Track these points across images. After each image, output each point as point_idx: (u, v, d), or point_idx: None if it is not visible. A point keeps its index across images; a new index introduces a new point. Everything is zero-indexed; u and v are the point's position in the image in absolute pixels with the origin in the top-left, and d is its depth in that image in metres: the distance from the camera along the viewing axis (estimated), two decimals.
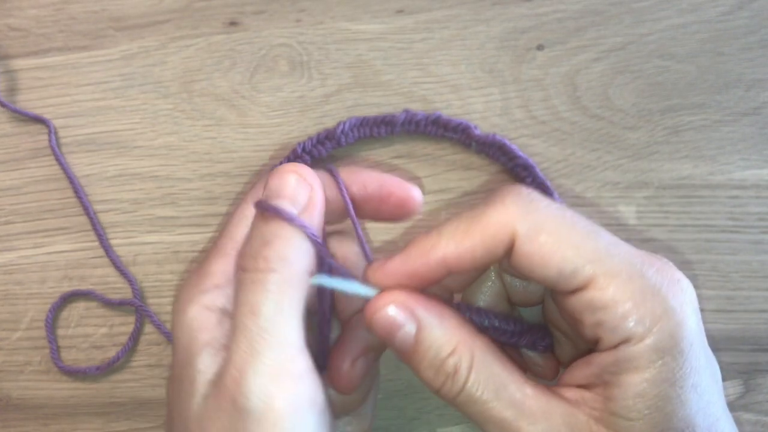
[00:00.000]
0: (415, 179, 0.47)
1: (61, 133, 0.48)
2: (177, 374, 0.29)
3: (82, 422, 0.44)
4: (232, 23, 0.50)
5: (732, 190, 0.46)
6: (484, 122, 0.47)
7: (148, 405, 0.44)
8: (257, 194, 0.32)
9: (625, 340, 0.27)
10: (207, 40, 0.49)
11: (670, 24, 0.49)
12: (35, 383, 0.44)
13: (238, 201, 0.47)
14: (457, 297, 0.35)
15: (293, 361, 0.28)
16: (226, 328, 0.29)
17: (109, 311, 0.45)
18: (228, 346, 0.28)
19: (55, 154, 0.47)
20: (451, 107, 0.48)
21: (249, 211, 0.32)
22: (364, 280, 0.31)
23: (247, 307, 0.28)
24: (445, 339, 0.29)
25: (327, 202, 0.32)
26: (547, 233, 0.28)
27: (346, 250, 0.34)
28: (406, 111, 0.46)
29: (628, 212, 0.46)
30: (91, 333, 0.45)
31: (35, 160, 0.47)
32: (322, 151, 0.46)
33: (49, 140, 0.47)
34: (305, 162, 0.46)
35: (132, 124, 0.48)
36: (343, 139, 0.46)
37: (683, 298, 0.28)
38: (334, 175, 0.33)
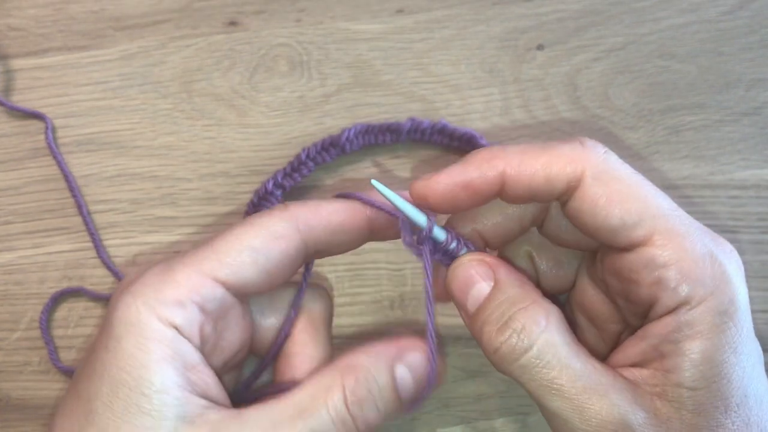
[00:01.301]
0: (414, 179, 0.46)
1: (61, 132, 0.48)
2: (116, 376, 0.26)
3: None
4: (232, 23, 0.50)
5: (732, 190, 0.46)
6: (485, 122, 0.47)
7: None
8: (266, 219, 0.29)
9: (685, 302, 0.27)
10: (207, 40, 0.49)
11: (670, 24, 0.49)
12: (35, 383, 0.44)
13: (235, 217, 0.46)
14: None
15: None
16: (185, 349, 0.27)
17: None
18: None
19: (51, 150, 0.47)
20: (451, 107, 0.48)
21: (247, 239, 0.29)
22: (413, 190, 0.29)
23: None
24: (520, 297, 0.28)
25: (347, 225, 0.31)
26: (617, 180, 0.28)
27: None
28: (412, 119, 0.45)
29: None
30: (91, 333, 0.45)
31: (34, 160, 0.47)
32: (326, 158, 0.46)
33: (46, 136, 0.47)
34: (309, 168, 0.45)
35: (131, 124, 0.48)
36: (347, 146, 0.45)
37: (737, 269, 0.28)
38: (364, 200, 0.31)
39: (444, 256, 0.31)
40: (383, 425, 0.28)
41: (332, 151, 0.45)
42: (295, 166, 0.45)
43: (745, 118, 0.47)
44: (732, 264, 0.28)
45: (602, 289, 0.32)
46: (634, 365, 0.28)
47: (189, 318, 0.27)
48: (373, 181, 0.29)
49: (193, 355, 0.27)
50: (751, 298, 0.44)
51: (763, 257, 0.45)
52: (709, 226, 0.47)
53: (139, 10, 0.50)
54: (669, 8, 0.49)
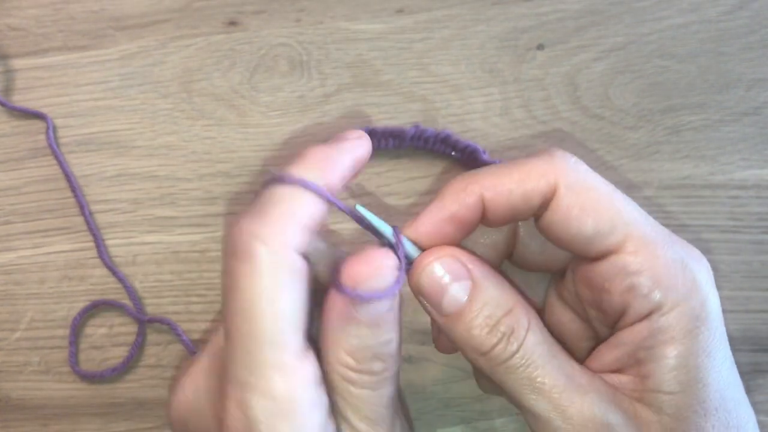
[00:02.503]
0: (414, 179, 0.46)
1: (61, 132, 0.48)
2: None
3: (82, 422, 0.44)
4: (232, 23, 0.50)
5: (732, 190, 0.46)
6: (484, 122, 0.47)
7: (147, 405, 0.44)
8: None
9: (657, 308, 0.27)
10: (207, 39, 0.49)
11: (670, 24, 0.49)
12: (35, 383, 0.44)
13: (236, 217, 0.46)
14: None
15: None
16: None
17: (109, 312, 0.45)
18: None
19: (52, 149, 0.47)
20: (451, 107, 0.48)
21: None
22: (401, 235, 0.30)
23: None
24: (502, 298, 0.28)
25: None
26: (589, 190, 0.28)
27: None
28: (416, 126, 0.45)
29: None
30: (91, 333, 0.45)
31: (34, 160, 0.47)
32: None
33: (47, 136, 0.47)
34: None
35: (131, 124, 0.48)
36: None
37: (707, 276, 0.28)
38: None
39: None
40: None
41: None
42: None
43: (745, 118, 0.47)
44: (702, 271, 0.28)
45: (571, 306, 0.32)
46: (612, 371, 0.28)
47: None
48: (358, 206, 0.29)
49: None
50: (751, 298, 0.44)
51: (763, 257, 0.45)
52: (709, 226, 0.47)
53: (139, 10, 0.50)
54: (669, 8, 0.49)
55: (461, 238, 0.30)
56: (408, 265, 0.30)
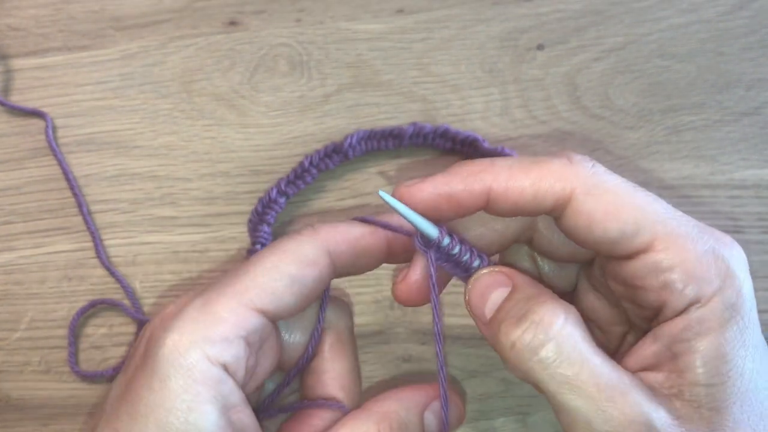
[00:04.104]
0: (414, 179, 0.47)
1: (61, 132, 0.48)
2: (163, 419, 0.26)
3: (82, 422, 0.44)
4: (232, 23, 0.50)
5: (732, 190, 0.46)
6: (484, 122, 0.47)
7: None
8: (299, 245, 0.30)
9: (694, 302, 0.26)
10: (207, 39, 0.49)
11: (670, 24, 0.49)
12: (35, 383, 0.44)
13: (236, 217, 0.46)
14: None
15: None
16: (229, 389, 0.27)
17: (109, 312, 0.45)
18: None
19: (51, 148, 0.47)
20: (451, 107, 0.48)
21: (284, 266, 0.29)
22: (396, 194, 0.30)
23: None
24: (537, 294, 0.28)
25: (366, 247, 0.31)
26: (610, 192, 0.27)
27: None
28: (414, 124, 0.45)
29: None
30: (91, 333, 0.45)
31: (34, 160, 0.47)
32: (329, 164, 0.45)
33: (46, 135, 0.47)
34: (312, 175, 0.45)
35: (131, 124, 0.48)
36: (350, 153, 0.45)
37: (741, 262, 0.28)
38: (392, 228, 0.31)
39: (458, 268, 0.30)
40: None
41: (335, 157, 0.45)
42: (299, 174, 0.45)
43: (745, 118, 0.47)
44: (734, 258, 0.28)
45: (602, 293, 0.32)
46: (646, 369, 0.28)
47: (236, 355, 0.27)
48: (381, 192, 0.29)
49: (236, 395, 0.27)
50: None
51: (763, 257, 0.45)
52: (709, 225, 0.47)
53: (139, 10, 0.50)
54: (669, 8, 0.49)
55: (453, 218, 0.30)
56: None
